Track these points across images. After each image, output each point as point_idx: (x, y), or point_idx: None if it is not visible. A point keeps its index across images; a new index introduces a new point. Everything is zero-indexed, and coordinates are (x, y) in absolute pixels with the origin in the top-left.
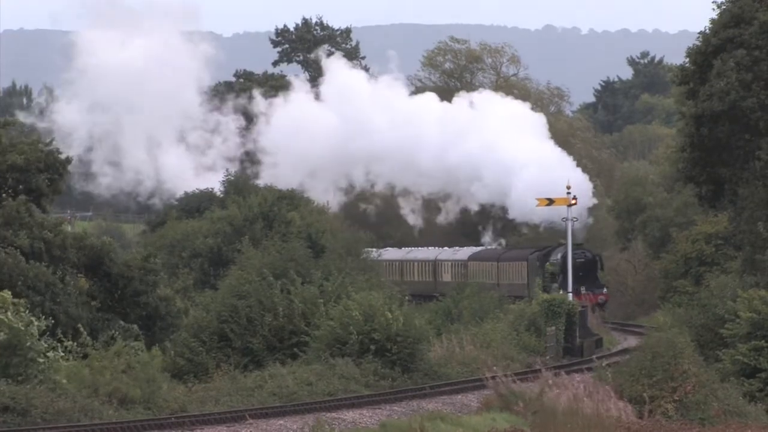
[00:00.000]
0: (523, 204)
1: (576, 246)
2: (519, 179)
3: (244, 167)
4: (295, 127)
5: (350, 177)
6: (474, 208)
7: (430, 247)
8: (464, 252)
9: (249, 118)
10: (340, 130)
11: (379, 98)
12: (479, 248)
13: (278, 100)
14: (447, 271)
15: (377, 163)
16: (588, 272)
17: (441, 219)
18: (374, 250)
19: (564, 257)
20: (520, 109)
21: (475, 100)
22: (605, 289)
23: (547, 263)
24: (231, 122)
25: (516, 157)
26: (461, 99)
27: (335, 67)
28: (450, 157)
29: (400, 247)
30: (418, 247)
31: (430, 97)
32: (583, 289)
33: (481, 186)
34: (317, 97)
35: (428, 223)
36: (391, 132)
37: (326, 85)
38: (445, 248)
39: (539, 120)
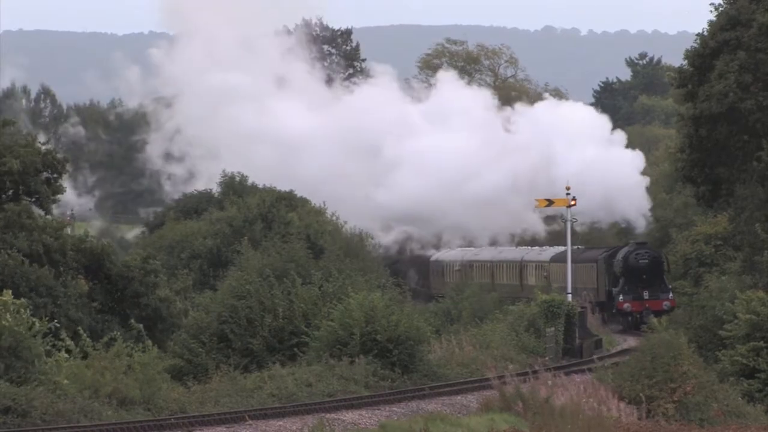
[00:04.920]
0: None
1: (639, 245)
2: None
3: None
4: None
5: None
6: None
7: (518, 247)
8: (547, 253)
9: None
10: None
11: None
12: (562, 248)
13: None
14: (531, 274)
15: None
16: (652, 274)
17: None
18: (470, 248)
19: (626, 258)
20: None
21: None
22: (671, 294)
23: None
24: None
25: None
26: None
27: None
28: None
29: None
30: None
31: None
32: (646, 294)
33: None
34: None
35: None
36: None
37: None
38: (535, 247)
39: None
